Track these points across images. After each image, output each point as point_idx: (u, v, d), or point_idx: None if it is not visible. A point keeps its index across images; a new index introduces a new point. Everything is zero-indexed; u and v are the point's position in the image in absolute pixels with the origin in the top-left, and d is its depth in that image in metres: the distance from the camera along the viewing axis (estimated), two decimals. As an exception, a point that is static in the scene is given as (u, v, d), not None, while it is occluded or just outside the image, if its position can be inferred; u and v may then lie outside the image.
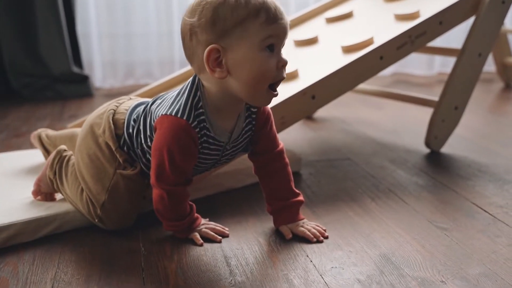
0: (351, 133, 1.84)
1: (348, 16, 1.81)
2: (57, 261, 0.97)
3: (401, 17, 1.63)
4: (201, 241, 1.03)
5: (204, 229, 1.05)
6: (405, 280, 0.90)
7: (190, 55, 0.97)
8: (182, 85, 1.01)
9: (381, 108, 2.20)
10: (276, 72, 0.94)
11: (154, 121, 0.99)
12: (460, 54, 1.60)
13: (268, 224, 1.11)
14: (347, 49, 1.53)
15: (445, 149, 1.63)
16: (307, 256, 0.99)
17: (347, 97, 2.31)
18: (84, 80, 2.56)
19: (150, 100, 1.07)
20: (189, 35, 0.94)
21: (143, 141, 1.03)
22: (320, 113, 2.11)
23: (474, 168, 1.47)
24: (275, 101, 1.30)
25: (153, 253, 1.00)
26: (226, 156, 1.05)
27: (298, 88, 1.33)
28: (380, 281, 0.89)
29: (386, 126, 1.94)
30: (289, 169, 1.11)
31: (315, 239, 1.04)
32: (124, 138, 1.06)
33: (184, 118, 0.94)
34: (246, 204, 1.22)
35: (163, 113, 0.96)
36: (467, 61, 1.59)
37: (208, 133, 0.98)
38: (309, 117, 2.08)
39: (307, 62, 1.57)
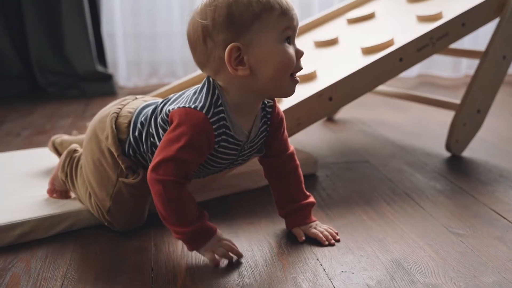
0: (371, 135, 1.82)
1: (369, 17, 1.79)
2: (69, 258, 0.98)
3: (423, 18, 1.60)
4: (217, 261, 0.95)
5: (221, 249, 0.95)
6: (416, 287, 0.88)
7: (203, 60, 0.94)
8: (195, 87, 0.99)
9: (404, 110, 2.17)
10: (296, 63, 0.94)
11: (166, 114, 0.96)
12: (483, 56, 1.57)
13: (281, 226, 1.11)
14: (367, 51, 1.51)
15: (467, 153, 1.60)
16: (317, 259, 0.98)
17: (370, 98, 2.29)
18: (108, 78, 2.59)
19: (158, 100, 1.06)
20: (202, 38, 0.92)
21: (157, 143, 0.99)
22: (341, 114, 2.09)
23: (495, 173, 1.44)
24: (290, 103, 1.30)
25: (163, 252, 1.00)
26: (242, 157, 1.03)
27: (315, 89, 1.32)
28: (390, 287, 0.88)
29: (407, 128, 1.91)
30: (300, 170, 1.10)
31: (327, 242, 1.03)
32: (130, 141, 1.04)
33: (204, 111, 0.92)
34: (260, 205, 1.22)
35: (183, 106, 0.93)
36: (491, 64, 1.56)
37: (228, 131, 0.95)
38: (329, 119, 2.06)
39: (326, 63, 1.55)
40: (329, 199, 1.26)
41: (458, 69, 3.05)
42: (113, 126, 1.05)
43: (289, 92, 0.96)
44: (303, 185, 1.10)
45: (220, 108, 0.94)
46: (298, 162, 1.10)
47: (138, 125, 1.04)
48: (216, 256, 0.95)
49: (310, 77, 1.46)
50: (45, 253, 1.00)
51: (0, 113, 2.16)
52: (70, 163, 1.13)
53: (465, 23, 1.51)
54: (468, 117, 1.57)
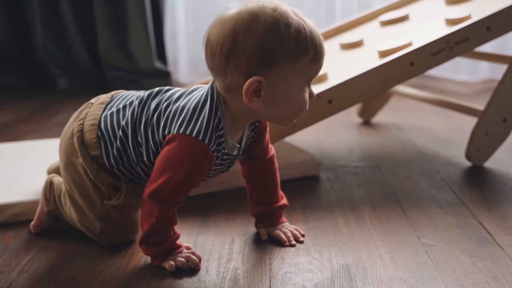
0: (398, 141, 1.78)
1: (403, 19, 1.74)
2: (47, 239, 1.07)
3: (451, 22, 1.54)
4: (174, 268, 0.94)
5: (179, 258, 0.95)
6: (352, 293, 0.88)
7: (218, 72, 0.90)
8: (195, 94, 0.96)
9: (447, 117, 2.08)
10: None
11: (162, 136, 0.94)
12: (511, 62, 1.48)
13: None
14: (383, 54, 1.48)
15: (491, 163, 1.52)
16: (270, 258, 1.00)
17: (417, 103, 2.23)
18: (166, 75, 2.72)
19: (118, 96, 1.04)
20: (225, 55, 0.87)
21: (144, 157, 0.97)
22: (379, 118, 2.06)
23: (509, 187, 1.36)
24: (287, 104, 1.31)
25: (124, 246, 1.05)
26: (232, 164, 1.04)
27: (315, 91, 1.32)
28: (324, 291, 0.89)
29: (441, 135, 1.84)
30: (278, 173, 1.11)
31: (287, 243, 1.05)
32: (112, 153, 0.99)
33: (206, 142, 0.90)
34: (243, 203, 1.22)
35: (182, 132, 0.90)
36: (521, 70, 1.48)
37: (224, 151, 0.95)
38: (366, 122, 2.03)
39: (342, 65, 1.54)
40: (317, 202, 1.27)
41: (532, 75, 2.85)
42: (81, 146, 1.00)
43: (289, 125, 0.97)
44: (279, 188, 1.11)
45: (221, 132, 0.92)
46: (277, 165, 1.10)
47: (119, 132, 0.98)
48: (174, 264, 0.95)
49: (320, 79, 1.46)
50: (29, 233, 1.10)
51: (61, 104, 2.35)
52: (52, 194, 1.08)
53: (491, 27, 1.44)
54: (491, 125, 1.50)
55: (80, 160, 1.00)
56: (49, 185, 1.09)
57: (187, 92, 0.97)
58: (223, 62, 0.88)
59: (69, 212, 1.05)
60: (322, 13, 2.82)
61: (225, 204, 1.25)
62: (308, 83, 0.92)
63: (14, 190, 1.19)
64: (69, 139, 1.02)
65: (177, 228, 1.07)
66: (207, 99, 0.93)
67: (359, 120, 2.04)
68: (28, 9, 2.67)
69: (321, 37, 0.90)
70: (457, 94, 2.55)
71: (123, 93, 1.06)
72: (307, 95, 0.92)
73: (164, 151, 0.92)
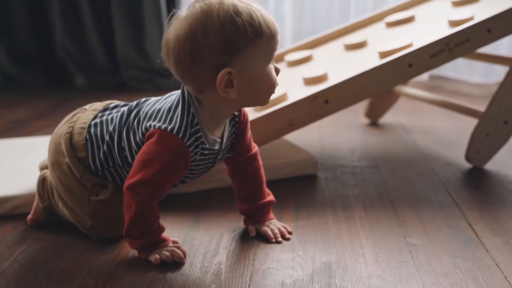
0: (401, 141, 1.78)
1: (407, 20, 1.74)
2: (33, 238, 1.08)
3: (453, 23, 1.54)
4: (159, 261, 0.98)
5: (164, 252, 0.98)
6: (329, 290, 0.90)
7: (187, 77, 0.94)
8: (169, 98, 1.00)
9: (454, 119, 2.07)
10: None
11: (142, 134, 0.98)
12: (513, 64, 1.48)
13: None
14: (383, 55, 1.49)
15: (492, 165, 1.51)
16: (255, 254, 1.02)
17: (424, 104, 2.22)
18: (179, 74, 2.76)
19: (111, 105, 1.09)
20: (190, 57, 0.90)
21: (129, 159, 1.02)
22: (386, 119, 2.06)
23: (506, 189, 1.35)
24: (283, 103, 1.33)
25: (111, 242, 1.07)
26: (218, 161, 1.06)
27: (312, 91, 1.34)
28: (301, 287, 0.90)
29: (445, 137, 1.84)
30: (262, 170, 1.13)
31: (274, 239, 1.07)
32: (99, 156, 1.03)
33: (180, 136, 0.94)
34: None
35: (159, 126, 0.95)
36: (523, 72, 1.47)
37: (203, 146, 0.98)
38: (373, 123, 2.04)
39: (343, 66, 1.55)
40: (311, 200, 1.28)
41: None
42: (69, 147, 1.04)
43: (265, 104, 1.00)
44: (265, 185, 1.13)
45: (197, 127, 0.96)
46: (261, 162, 1.13)
47: (106, 137, 1.03)
48: (159, 257, 0.98)
49: (320, 79, 1.47)
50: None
51: (76, 102, 2.39)
52: (46, 190, 1.11)
53: (491, 29, 1.44)
54: (492, 127, 1.49)
55: (66, 160, 1.04)
56: (42, 181, 1.13)
57: (163, 98, 1.03)
58: (189, 65, 0.91)
59: (62, 208, 1.09)
60: (336, 13, 2.83)
61: (219, 201, 1.27)
62: (271, 60, 0.95)
63: (15, 184, 1.24)
64: (58, 139, 1.07)
65: (170, 223, 1.12)
66: (179, 100, 0.97)
67: (366, 120, 2.04)
68: (47, 7, 2.74)
69: (269, 15, 0.94)
70: (471, 96, 2.53)
71: (116, 103, 1.11)
72: (274, 72, 0.96)
73: (144, 146, 0.97)
